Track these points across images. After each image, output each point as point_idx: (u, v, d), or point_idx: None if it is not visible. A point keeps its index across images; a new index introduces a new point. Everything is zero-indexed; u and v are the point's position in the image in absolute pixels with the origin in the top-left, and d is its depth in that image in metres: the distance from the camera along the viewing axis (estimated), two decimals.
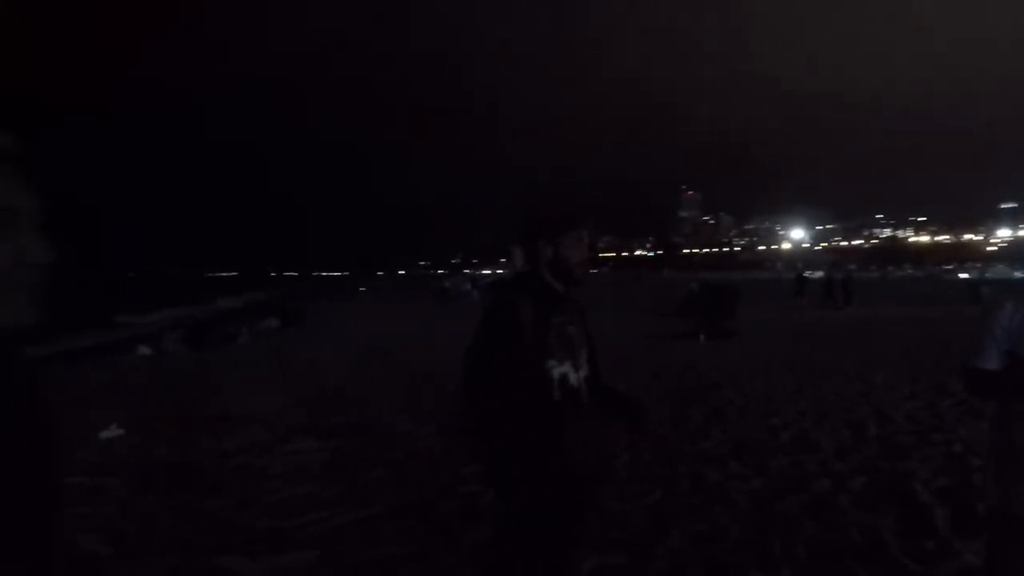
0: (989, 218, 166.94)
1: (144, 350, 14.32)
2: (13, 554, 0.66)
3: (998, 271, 61.71)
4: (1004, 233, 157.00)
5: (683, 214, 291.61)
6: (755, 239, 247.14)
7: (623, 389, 2.09)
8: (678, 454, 4.60)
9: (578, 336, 1.88)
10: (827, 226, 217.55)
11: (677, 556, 2.96)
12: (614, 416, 1.97)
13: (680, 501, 3.64)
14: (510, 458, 1.73)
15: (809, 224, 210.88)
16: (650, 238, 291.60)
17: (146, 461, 4.70)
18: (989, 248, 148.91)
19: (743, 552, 2.98)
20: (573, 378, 1.80)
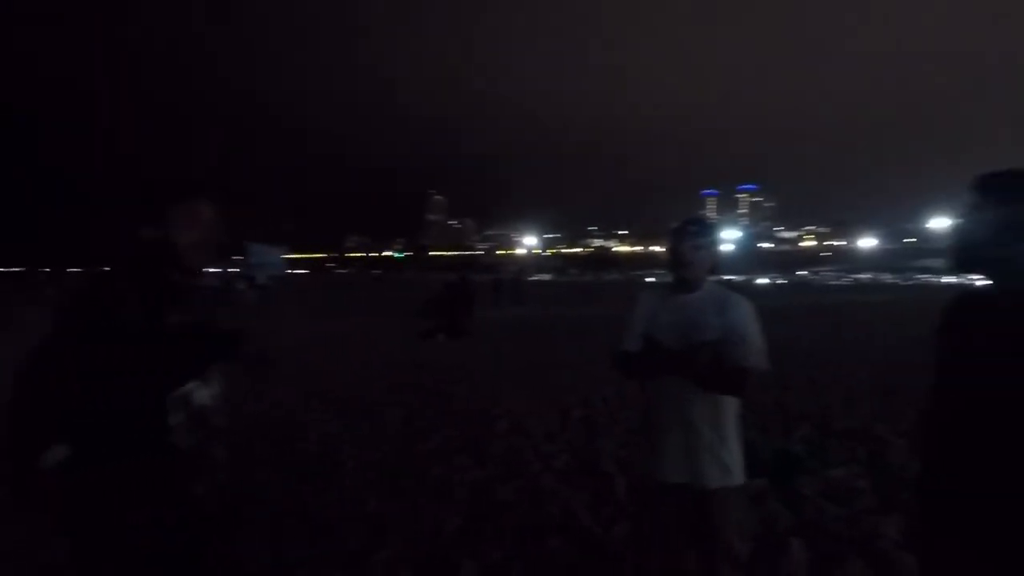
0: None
1: None
2: None
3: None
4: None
5: (431, 217, 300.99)
6: (495, 243, 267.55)
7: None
8: (407, 455, 4.57)
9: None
10: (554, 234, 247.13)
11: (392, 562, 2.88)
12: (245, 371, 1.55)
13: (403, 503, 3.59)
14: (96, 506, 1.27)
15: (539, 232, 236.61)
16: (400, 240, 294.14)
17: None
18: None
19: (459, 544, 3.05)
20: (201, 396, 1.41)
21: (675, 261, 2.00)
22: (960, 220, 1.19)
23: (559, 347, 11.16)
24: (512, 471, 4.14)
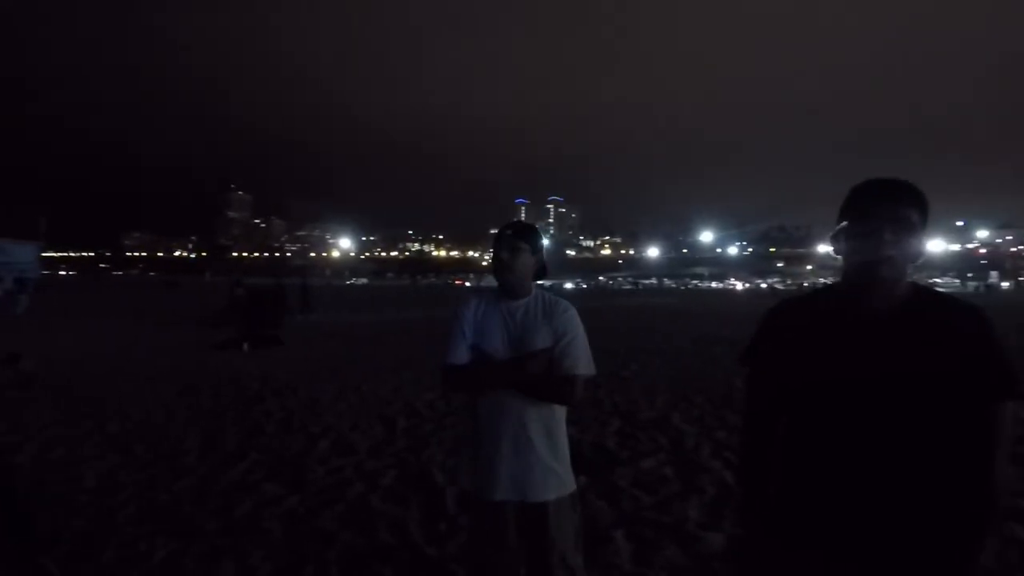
0: (484, 239, 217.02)
1: None
2: None
3: (488, 280, 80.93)
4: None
5: (232, 214, 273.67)
6: (307, 245, 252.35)
7: None
8: (209, 487, 3.95)
9: None
10: (370, 237, 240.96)
11: None
12: None
13: (200, 548, 3.06)
14: None
15: (355, 235, 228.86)
16: (192, 237, 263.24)
17: None
18: (483, 263, 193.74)
19: None
20: None
21: (498, 266, 1.91)
22: (873, 231, 1.18)
23: (376, 353, 10.74)
24: (334, 495, 3.79)
